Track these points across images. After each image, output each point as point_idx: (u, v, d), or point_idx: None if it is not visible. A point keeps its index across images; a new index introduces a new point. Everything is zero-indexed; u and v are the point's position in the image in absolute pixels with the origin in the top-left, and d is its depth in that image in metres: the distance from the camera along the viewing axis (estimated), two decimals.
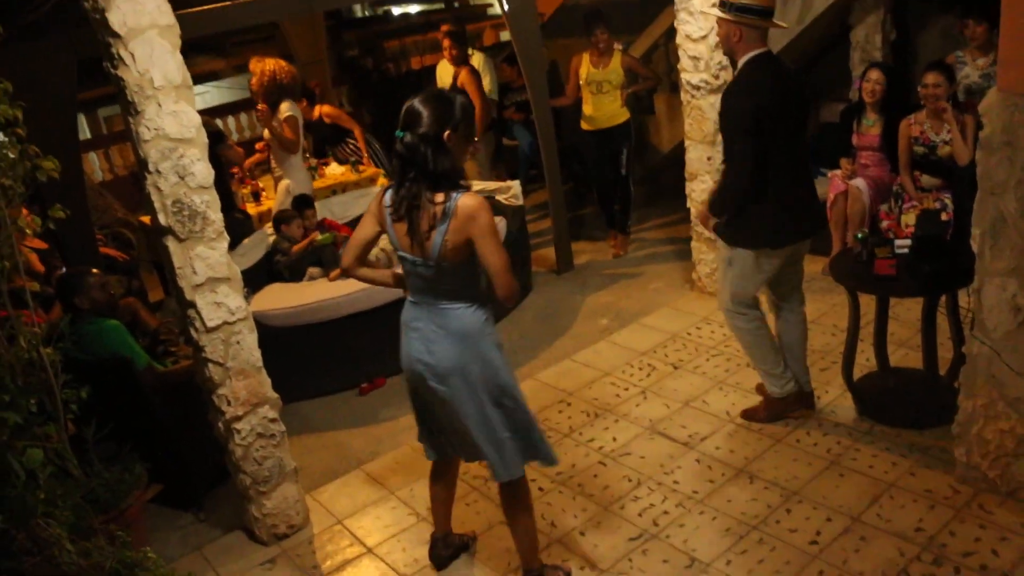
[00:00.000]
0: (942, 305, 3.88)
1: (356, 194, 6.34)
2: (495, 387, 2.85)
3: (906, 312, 4.76)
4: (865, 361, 4.26)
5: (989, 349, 3.13)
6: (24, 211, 4.31)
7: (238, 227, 5.46)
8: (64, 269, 4.44)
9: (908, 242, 3.84)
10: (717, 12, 3.58)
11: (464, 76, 6.63)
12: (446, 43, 6.63)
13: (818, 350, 4.61)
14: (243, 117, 9.98)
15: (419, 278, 2.81)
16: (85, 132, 13.50)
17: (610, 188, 6.48)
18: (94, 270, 4.03)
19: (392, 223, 2.77)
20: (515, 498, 3.03)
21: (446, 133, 2.63)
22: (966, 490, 3.38)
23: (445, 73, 6.96)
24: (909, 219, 4.84)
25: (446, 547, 3.42)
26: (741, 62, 3.55)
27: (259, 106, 5.88)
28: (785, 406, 4.01)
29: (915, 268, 3.70)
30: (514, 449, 2.93)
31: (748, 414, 4.11)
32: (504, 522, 3.58)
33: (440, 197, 2.65)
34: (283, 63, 5.94)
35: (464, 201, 2.63)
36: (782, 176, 3.55)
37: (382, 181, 6.99)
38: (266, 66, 5.83)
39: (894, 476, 3.55)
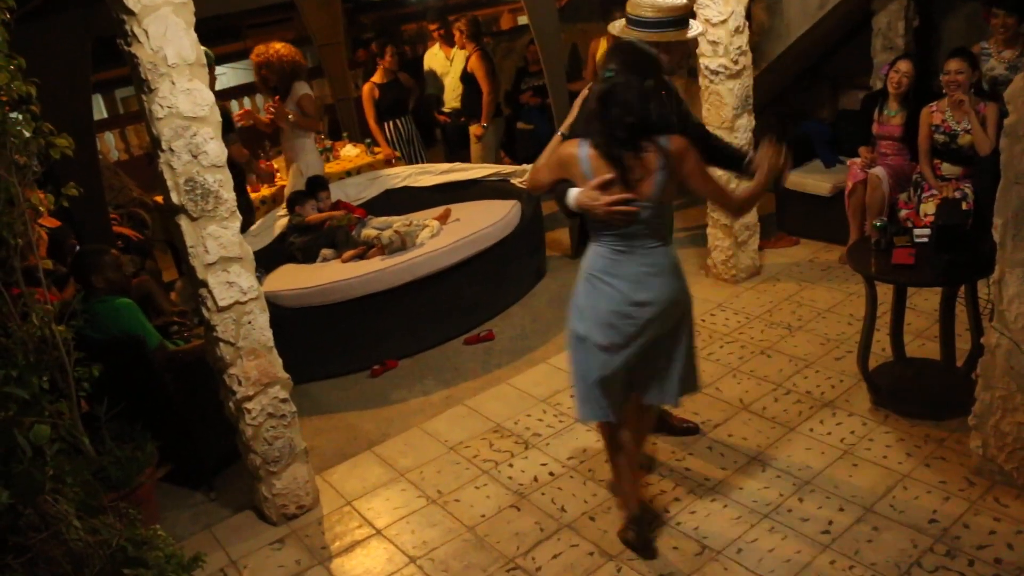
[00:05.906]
0: (961, 295, 3.83)
1: (371, 175, 6.31)
2: (689, 318, 3.13)
3: (923, 302, 4.71)
4: (881, 351, 4.21)
5: (1008, 341, 3.08)
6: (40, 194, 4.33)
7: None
8: (78, 248, 4.44)
9: (927, 231, 3.78)
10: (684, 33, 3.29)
11: (474, 61, 6.64)
12: (462, 24, 6.65)
13: (834, 339, 4.57)
14: (259, 99, 9.93)
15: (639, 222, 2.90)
16: (102, 112, 13.52)
17: None
18: (112, 250, 4.03)
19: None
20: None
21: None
22: (982, 483, 3.34)
23: (434, 60, 6.96)
24: (929, 208, 4.78)
25: (650, 526, 3.30)
26: None
27: (275, 99, 5.79)
28: None
29: (934, 257, 3.65)
30: (680, 376, 3.13)
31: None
32: (514, 506, 3.59)
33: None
34: (288, 45, 5.85)
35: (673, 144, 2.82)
36: None
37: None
38: (280, 50, 5.71)
39: (908, 467, 3.51)
